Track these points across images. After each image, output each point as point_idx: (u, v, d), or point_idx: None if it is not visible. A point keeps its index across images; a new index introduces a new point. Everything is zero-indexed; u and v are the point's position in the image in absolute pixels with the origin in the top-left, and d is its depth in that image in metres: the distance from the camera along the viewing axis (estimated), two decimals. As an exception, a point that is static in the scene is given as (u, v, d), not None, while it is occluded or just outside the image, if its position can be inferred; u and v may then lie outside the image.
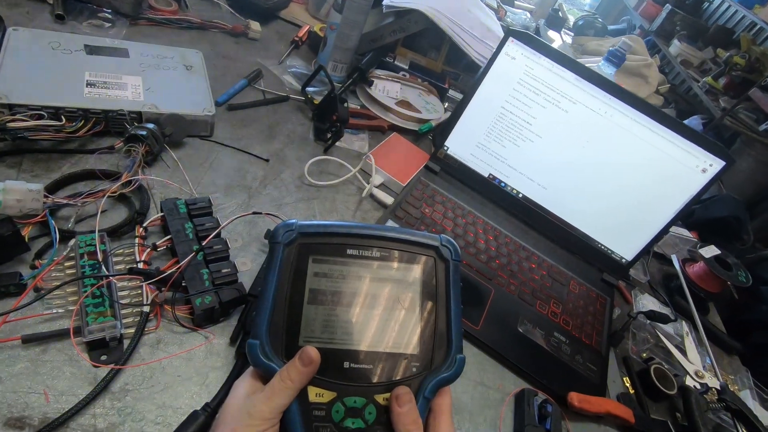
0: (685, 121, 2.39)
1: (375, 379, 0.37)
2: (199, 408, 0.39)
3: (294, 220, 0.40)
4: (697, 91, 2.45)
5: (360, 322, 0.39)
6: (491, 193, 0.76)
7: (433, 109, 0.90)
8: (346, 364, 0.37)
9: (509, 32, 0.68)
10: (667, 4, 2.84)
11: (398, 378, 0.37)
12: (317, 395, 0.36)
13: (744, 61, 2.41)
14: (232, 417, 0.34)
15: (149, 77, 0.63)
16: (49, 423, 0.35)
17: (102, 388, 0.38)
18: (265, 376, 0.36)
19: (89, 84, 0.57)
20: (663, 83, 1.40)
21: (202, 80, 0.67)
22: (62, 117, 0.53)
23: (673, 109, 2.54)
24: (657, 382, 0.61)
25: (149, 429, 0.38)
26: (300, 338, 0.37)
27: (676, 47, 2.65)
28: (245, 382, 0.36)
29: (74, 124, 0.53)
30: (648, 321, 0.70)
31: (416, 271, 0.41)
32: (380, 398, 0.36)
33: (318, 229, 0.40)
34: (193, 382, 0.42)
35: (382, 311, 0.39)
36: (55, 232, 0.44)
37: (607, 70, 0.83)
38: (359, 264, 0.40)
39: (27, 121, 0.50)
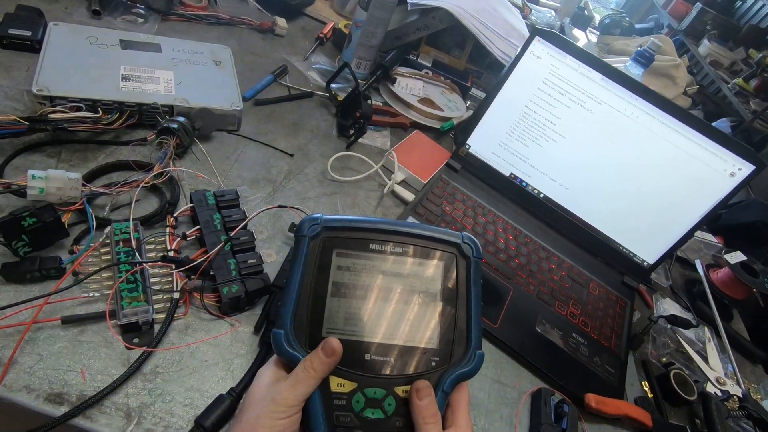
0: (713, 124, 2.33)
1: (395, 372, 0.38)
2: (224, 392, 0.41)
3: (319, 214, 0.41)
4: (726, 92, 2.37)
5: (381, 315, 0.39)
6: (512, 192, 0.76)
7: (455, 107, 0.90)
8: (367, 356, 0.38)
9: (535, 31, 0.68)
10: (698, 3, 2.75)
11: (418, 371, 0.38)
12: (339, 385, 0.37)
13: (778, 62, 2.32)
14: (257, 403, 0.35)
15: (180, 72, 0.64)
16: (85, 400, 0.37)
17: (134, 369, 0.40)
18: (288, 364, 0.37)
19: (124, 78, 0.60)
20: (691, 84, 1.37)
21: (231, 76, 0.69)
22: (99, 109, 0.55)
23: (701, 111, 2.47)
24: (677, 387, 0.60)
25: (178, 410, 0.40)
26: (323, 329, 0.38)
27: (705, 47, 2.58)
28: (269, 370, 0.37)
29: (110, 116, 0.56)
30: (669, 325, 0.69)
31: (437, 267, 0.42)
32: (400, 390, 0.37)
33: (342, 223, 0.41)
34: (219, 368, 0.44)
35: (403, 305, 0.40)
36: (92, 220, 0.46)
37: (635, 71, 0.82)
38: (382, 258, 0.41)
39: (66, 113, 0.52)
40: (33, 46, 0.62)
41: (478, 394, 0.52)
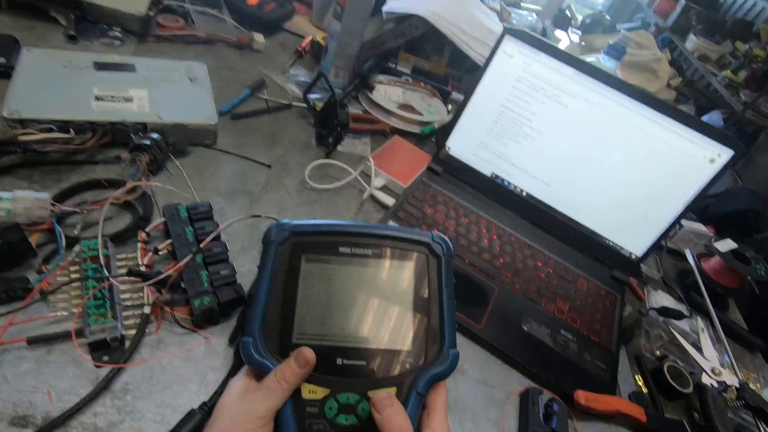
0: (705, 117, 2.32)
1: (368, 376, 0.37)
2: (196, 407, 0.40)
3: (287, 220, 0.41)
4: (716, 85, 2.38)
5: (353, 319, 0.39)
6: (494, 192, 0.76)
7: (435, 112, 0.90)
8: (340, 361, 0.37)
9: (506, 30, 0.68)
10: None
11: (391, 374, 0.37)
12: (310, 392, 0.36)
13: (765, 53, 2.34)
14: (227, 415, 0.35)
15: (154, 90, 0.65)
16: (50, 421, 0.36)
17: (103, 386, 0.39)
18: (259, 374, 0.36)
19: (97, 98, 0.60)
20: (674, 77, 1.37)
21: (206, 91, 0.69)
22: (71, 129, 0.55)
23: (692, 105, 2.47)
24: (671, 380, 0.59)
25: (148, 427, 0.39)
26: (293, 336, 0.38)
27: (692, 42, 2.59)
28: (240, 381, 0.37)
29: (82, 136, 0.56)
30: (661, 318, 0.67)
31: (408, 267, 0.41)
32: (374, 394, 0.36)
33: (310, 228, 0.41)
34: (193, 382, 0.43)
35: (375, 308, 0.40)
36: (61, 239, 0.46)
37: (608, 64, 0.82)
38: (351, 262, 0.40)
39: (36, 134, 0.52)
40: (7, 73, 0.63)
41: (464, 397, 0.51)
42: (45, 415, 0.37)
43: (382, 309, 0.40)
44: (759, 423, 0.58)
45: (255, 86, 0.80)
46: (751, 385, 0.65)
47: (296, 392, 0.36)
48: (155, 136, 0.58)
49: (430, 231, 0.43)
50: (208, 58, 0.83)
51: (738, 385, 0.59)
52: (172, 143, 0.60)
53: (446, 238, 0.42)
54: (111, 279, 0.43)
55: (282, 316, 0.38)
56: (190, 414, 0.39)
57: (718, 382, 0.60)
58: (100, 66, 0.65)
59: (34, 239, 0.45)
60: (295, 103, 0.81)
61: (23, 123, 0.54)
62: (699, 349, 0.64)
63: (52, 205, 0.48)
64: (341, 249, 0.41)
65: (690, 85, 2.59)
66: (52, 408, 0.38)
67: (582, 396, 0.52)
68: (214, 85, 0.71)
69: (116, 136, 0.59)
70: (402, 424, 0.34)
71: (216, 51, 0.87)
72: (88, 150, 0.57)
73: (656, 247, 0.70)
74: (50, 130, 0.54)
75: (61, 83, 0.60)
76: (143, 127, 0.60)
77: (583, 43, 1.09)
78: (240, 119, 0.74)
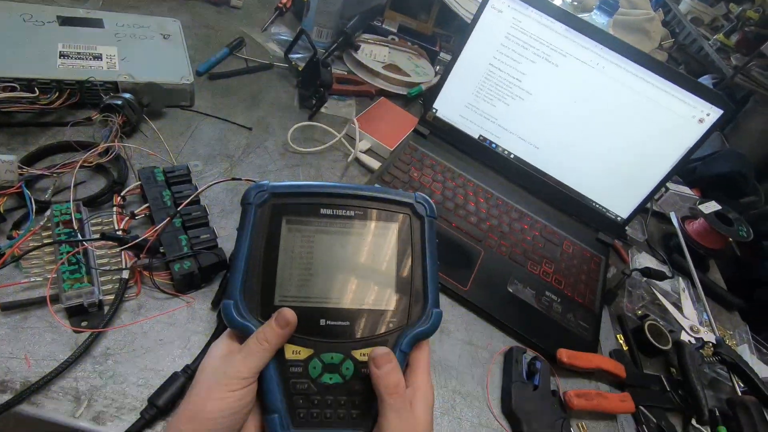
0: (696, 82, 2.31)
1: (352, 335, 0.37)
2: (179, 370, 0.40)
3: (266, 181, 0.40)
4: (708, 49, 2.34)
5: (335, 280, 0.38)
6: (482, 154, 0.74)
7: (423, 73, 0.87)
8: (323, 322, 0.37)
9: (495, -17, 0.65)
10: (676, -42, 2.70)
11: (375, 333, 0.37)
12: (294, 353, 0.36)
13: (758, 15, 2.30)
14: (209, 376, 0.34)
15: (125, 47, 0.61)
16: (30, 386, 0.36)
17: (82, 351, 0.38)
18: (241, 336, 0.36)
19: (62, 55, 0.56)
20: (666, 38, 1.34)
21: (180, 49, 0.65)
22: (35, 89, 0.52)
23: (683, 69, 2.44)
24: (651, 338, 0.60)
25: (131, 390, 0.39)
26: (275, 297, 0.37)
27: (686, 4, 2.53)
28: (222, 343, 0.36)
29: (48, 96, 0.53)
30: (644, 279, 0.68)
31: (391, 228, 0.40)
32: (358, 353, 0.36)
33: (290, 189, 0.40)
34: (175, 346, 0.42)
35: (358, 269, 0.39)
36: (31, 203, 0.44)
37: (600, 20, 0.80)
38: (333, 223, 0.39)
39: (-2, 93, 0.49)
40: (-37, 28, 0.58)
41: (448, 356, 0.52)
42: (24, 380, 0.36)
43: (365, 270, 0.39)
44: (732, 376, 0.60)
45: (233, 45, 0.76)
46: (728, 342, 0.67)
47: (280, 353, 0.35)
48: (127, 96, 0.55)
49: (414, 191, 0.42)
50: (182, 14, 0.79)
51: (715, 342, 0.61)
52: (147, 104, 0.58)
53: (429, 198, 0.42)
54: (85, 243, 0.41)
55: (263, 279, 0.37)
56: (174, 376, 0.39)
57: (695, 339, 0.61)
58: (65, 20, 0.61)
59: (1, 204, 0.43)
60: (276, 63, 0.78)
61: (-17, 82, 0.51)
62: (679, 309, 0.65)
63: (20, 168, 0.46)
64: (322, 211, 0.40)
65: (682, 49, 2.55)
66: (31, 374, 0.37)
67: (564, 354, 0.53)
68: (189, 44, 0.68)
69: (85, 96, 0.56)
70: (398, 382, 0.34)
71: (191, 6, 0.82)
72: (56, 110, 0.54)
73: (642, 210, 0.70)
74: (13, 90, 0.51)
75: (21, 38, 0.56)
76: (114, 87, 0.57)
77: (575, 3, 1.06)
78: (218, 80, 0.71)
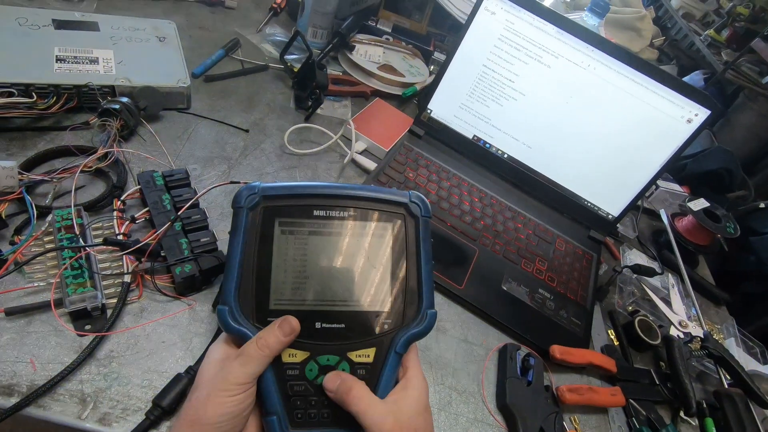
0: (686, 77, 2.32)
1: (347, 337, 0.37)
2: (182, 371, 0.41)
3: (257, 183, 0.39)
4: (699, 45, 2.37)
5: (330, 282, 0.38)
6: (476, 154, 0.75)
7: (417, 73, 0.88)
8: (318, 324, 0.37)
9: (488, -14, 0.66)
10: (667, -46, 2.71)
11: (370, 335, 0.38)
12: (290, 355, 0.36)
13: (748, 10, 2.32)
14: (208, 381, 0.34)
15: (121, 50, 0.61)
16: (36, 389, 0.36)
17: (87, 354, 0.39)
18: (237, 341, 0.36)
19: (59, 59, 0.57)
20: (657, 36, 1.36)
21: (176, 51, 0.66)
22: (33, 94, 0.52)
23: (675, 65, 2.46)
24: (641, 333, 0.62)
25: (135, 392, 0.39)
26: (270, 302, 0.37)
27: (678, 0, 2.55)
28: (219, 348, 0.36)
29: (46, 100, 0.53)
30: (634, 275, 0.70)
31: (385, 228, 0.40)
32: (353, 355, 0.37)
33: (282, 191, 0.39)
34: (178, 348, 0.43)
35: (352, 270, 0.39)
36: (32, 208, 0.44)
37: (591, 21, 0.81)
38: (327, 224, 0.39)
39: (-4, 99, 0.50)
40: (-42, 32, 0.58)
41: (444, 354, 0.53)
42: (30, 383, 0.37)
43: (360, 271, 0.39)
44: (719, 369, 0.62)
45: (229, 46, 0.76)
46: (715, 336, 0.69)
47: (276, 357, 0.36)
48: (125, 99, 0.56)
49: (408, 191, 0.42)
50: (176, 15, 0.79)
51: (702, 336, 0.63)
52: (144, 107, 0.58)
53: (424, 197, 0.41)
54: (87, 248, 0.42)
55: (258, 283, 0.37)
56: (177, 378, 0.40)
57: (684, 333, 0.63)
58: (60, 24, 0.61)
59: (2, 210, 0.44)
60: (271, 65, 0.78)
61: (-20, 87, 0.51)
62: (668, 304, 0.67)
63: (20, 173, 0.46)
64: (316, 212, 0.39)
65: (673, 45, 2.57)
66: (37, 377, 0.38)
67: (557, 350, 0.54)
68: (184, 45, 0.68)
69: (82, 100, 0.56)
70: (362, 395, 0.35)
71: (185, 8, 0.83)
72: (53, 115, 0.55)
73: (632, 207, 0.72)
74: (11, 95, 0.51)
75: (17, 43, 0.57)
76: (111, 91, 0.57)
77: (567, 1, 1.07)
78: (214, 82, 0.71)
